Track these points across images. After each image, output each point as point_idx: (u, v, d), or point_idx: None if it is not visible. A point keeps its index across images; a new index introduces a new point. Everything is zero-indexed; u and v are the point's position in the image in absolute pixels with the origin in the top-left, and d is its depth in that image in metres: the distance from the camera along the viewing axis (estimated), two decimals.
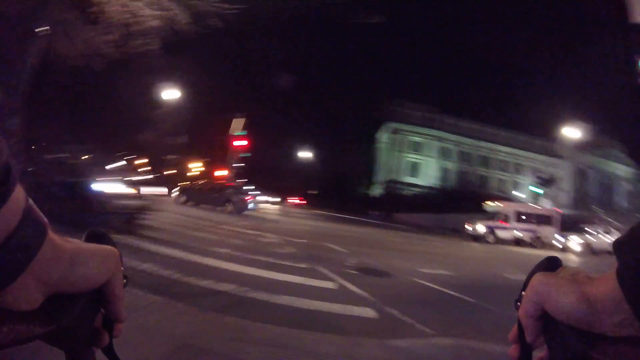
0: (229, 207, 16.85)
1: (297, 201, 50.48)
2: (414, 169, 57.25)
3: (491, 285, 6.88)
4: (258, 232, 10.69)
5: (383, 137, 60.46)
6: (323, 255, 8.07)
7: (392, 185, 55.57)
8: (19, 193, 0.30)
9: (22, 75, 6.15)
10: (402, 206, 45.94)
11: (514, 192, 55.20)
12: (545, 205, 29.68)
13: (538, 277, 0.39)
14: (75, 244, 0.36)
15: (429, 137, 57.28)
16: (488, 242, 19.35)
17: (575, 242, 18.05)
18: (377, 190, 59.15)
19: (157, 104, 36.52)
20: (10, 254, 0.29)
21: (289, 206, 42.42)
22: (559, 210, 25.89)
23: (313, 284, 5.29)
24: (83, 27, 8.05)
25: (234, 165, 29.66)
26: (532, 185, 33.55)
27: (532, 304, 0.39)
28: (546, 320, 0.38)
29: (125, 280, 0.41)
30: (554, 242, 19.35)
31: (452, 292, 5.83)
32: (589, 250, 17.34)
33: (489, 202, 25.69)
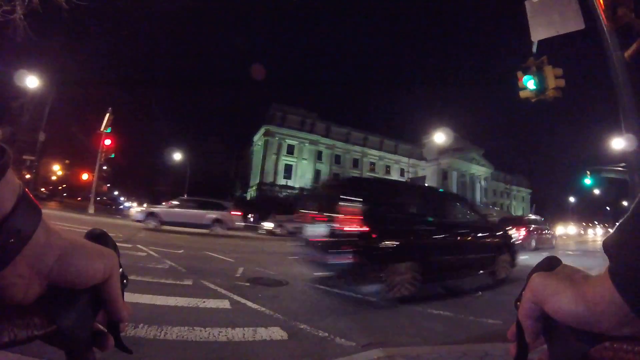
0: None
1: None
2: (288, 171, 58.47)
3: None
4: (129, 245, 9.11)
5: (259, 140, 60.04)
6: (206, 268, 7.24)
7: (267, 188, 55.42)
8: (13, 177, 0.31)
9: None
10: (277, 208, 45.73)
11: None
12: None
13: (536, 278, 0.39)
14: (73, 237, 0.36)
15: (303, 140, 59.28)
16: None
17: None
18: (252, 193, 58.27)
19: (15, 93, 28.31)
20: (4, 236, 0.30)
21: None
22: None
23: (206, 306, 4.54)
24: None
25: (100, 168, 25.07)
26: None
27: (531, 304, 0.38)
28: (546, 320, 0.38)
29: (125, 281, 0.42)
30: None
31: (348, 293, 5.72)
32: None
33: None
